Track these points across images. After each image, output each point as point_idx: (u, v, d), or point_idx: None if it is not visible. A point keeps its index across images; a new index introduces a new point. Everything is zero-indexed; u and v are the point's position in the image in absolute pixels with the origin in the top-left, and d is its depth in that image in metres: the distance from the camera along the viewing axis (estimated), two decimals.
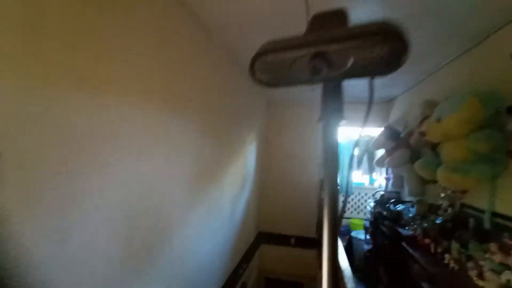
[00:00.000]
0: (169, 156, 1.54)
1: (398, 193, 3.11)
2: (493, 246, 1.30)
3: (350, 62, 0.33)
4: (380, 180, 4.17)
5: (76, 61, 0.92)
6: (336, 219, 0.37)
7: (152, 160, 1.38)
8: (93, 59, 0.99)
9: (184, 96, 1.69)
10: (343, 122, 0.37)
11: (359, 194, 4.44)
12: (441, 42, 1.92)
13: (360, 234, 3.42)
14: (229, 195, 2.72)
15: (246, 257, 3.41)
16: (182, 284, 1.77)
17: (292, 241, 4.13)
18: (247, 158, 3.35)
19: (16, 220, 0.76)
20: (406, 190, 2.70)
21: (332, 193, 0.36)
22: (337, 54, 0.33)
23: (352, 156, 0.45)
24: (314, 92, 3.05)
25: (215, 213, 2.32)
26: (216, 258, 2.41)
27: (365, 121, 0.40)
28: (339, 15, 0.37)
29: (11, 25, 0.73)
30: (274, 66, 0.38)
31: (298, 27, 0.46)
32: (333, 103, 0.37)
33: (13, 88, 0.74)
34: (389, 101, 3.88)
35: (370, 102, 0.38)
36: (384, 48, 0.31)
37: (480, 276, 1.29)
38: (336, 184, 0.37)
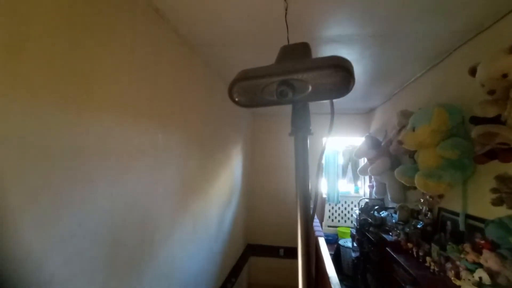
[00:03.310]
0: (154, 171, 1.55)
1: (381, 200, 3.22)
2: (467, 247, 1.38)
3: (310, 88, 0.40)
4: (364, 188, 4.29)
5: (61, 79, 0.94)
6: (308, 223, 0.42)
7: (136, 175, 1.39)
8: (78, 77, 1.02)
9: (169, 110, 1.71)
10: (310, 136, 0.44)
11: (345, 202, 4.53)
12: (411, 58, 2.09)
13: (347, 242, 3.47)
14: (216, 208, 2.71)
15: (235, 271, 3.36)
16: None
17: (281, 252, 4.11)
18: (234, 171, 3.36)
19: None
20: (388, 196, 2.80)
21: (303, 200, 0.42)
22: (298, 82, 0.40)
23: (319, 164, 0.52)
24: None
25: (202, 227, 2.31)
26: (203, 272, 2.37)
27: (330, 132, 0.49)
28: (303, 48, 0.45)
29: None
30: (248, 91, 0.44)
31: (277, 44, 0.53)
32: (301, 121, 0.45)
33: None
34: (370, 112, 4.07)
35: (332, 118, 0.46)
36: (335, 78, 0.39)
37: (457, 276, 1.36)
38: (308, 191, 0.43)
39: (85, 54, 1.05)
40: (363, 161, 3.94)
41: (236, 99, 0.45)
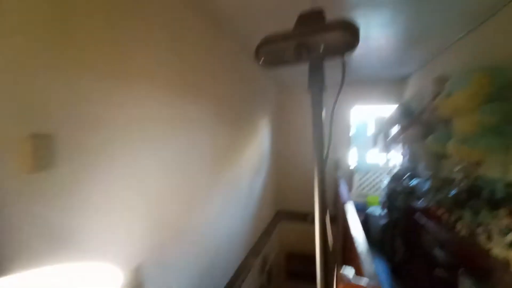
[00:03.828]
0: (188, 141, 1.70)
1: (413, 168, 3.15)
2: (502, 212, 1.38)
3: (322, 47, 0.49)
4: (395, 157, 4.18)
5: (104, 56, 1.07)
6: (323, 179, 0.50)
7: (173, 143, 1.54)
8: (118, 55, 1.14)
9: (198, 83, 1.81)
10: (324, 91, 0.53)
11: (375, 173, 4.48)
12: (450, 20, 1.91)
13: (376, 211, 3.52)
14: (246, 176, 2.88)
15: (266, 233, 3.64)
16: (210, 252, 2.00)
17: (309, 218, 4.29)
18: (261, 141, 3.48)
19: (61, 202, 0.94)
20: (421, 165, 2.74)
21: (319, 152, 0.51)
22: (313, 43, 0.50)
23: (331, 117, 0.61)
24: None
25: (234, 193, 2.50)
26: (237, 231, 2.62)
27: (339, 93, 0.55)
28: (318, 14, 0.52)
29: (44, 24, 0.86)
30: (271, 53, 0.56)
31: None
32: (317, 77, 0.53)
33: (57, 80, 0.90)
34: (403, 79, 3.83)
35: (343, 73, 0.53)
36: (343, 36, 0.48)
37: (489, 238, 1.38)
38: (322, 144, 0.52)
39: (123, 33, 1.17)
40: (395, 130, 3.81)
41: (261, 61, 0.56)
